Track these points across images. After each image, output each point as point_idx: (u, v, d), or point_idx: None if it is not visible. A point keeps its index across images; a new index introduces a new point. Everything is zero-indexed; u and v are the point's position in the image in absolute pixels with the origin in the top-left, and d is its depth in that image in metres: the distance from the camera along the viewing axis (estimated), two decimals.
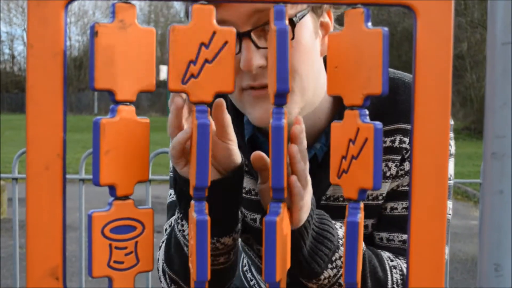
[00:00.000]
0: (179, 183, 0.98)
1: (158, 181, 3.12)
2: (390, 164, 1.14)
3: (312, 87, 1.05)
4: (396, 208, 1.19)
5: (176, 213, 1.07)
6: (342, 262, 1.04)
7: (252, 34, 0.99)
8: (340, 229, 1.07)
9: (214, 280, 1.07)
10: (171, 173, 1.33)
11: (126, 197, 0.52)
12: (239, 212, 1.05)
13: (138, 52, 0.50)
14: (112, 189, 0.51)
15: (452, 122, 1.17)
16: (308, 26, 1.03)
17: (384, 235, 1.20)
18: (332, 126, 0.53)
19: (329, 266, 1.03)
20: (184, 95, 0.89)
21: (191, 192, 0.50)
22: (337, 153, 0.52)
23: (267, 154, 1.17)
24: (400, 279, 1.15)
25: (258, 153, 0.94)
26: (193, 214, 0.50)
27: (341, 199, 1.17)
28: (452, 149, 1.20)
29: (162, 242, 1.24)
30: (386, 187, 1.16)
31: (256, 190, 1.22)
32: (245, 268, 1.53)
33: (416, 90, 0.49)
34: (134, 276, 0.53)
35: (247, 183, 1.23)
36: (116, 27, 0.49)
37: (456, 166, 9.58)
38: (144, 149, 0.52)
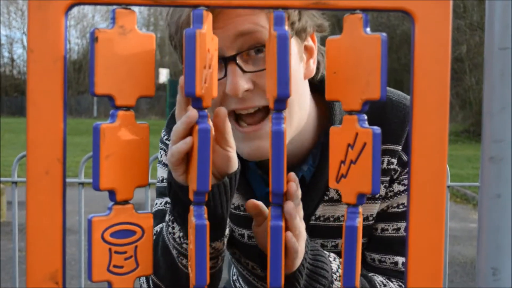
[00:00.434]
0: (174, 188, 0.98)
1: None
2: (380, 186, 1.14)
3: (298, 112, 1.05)
4: (387, 230, 1.19)
5: (168, 215, 1.07)
6: None
7: (237, 58, 0.99)
8: (334, 262, 1.08)
9: None
10: (159, 183, 1.33)
11: (125, 202, 0.52)
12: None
13: (138, 58, 0.51)
14: (112, 193, 0.51)
15: None
16: (293, 52, 1.02)
17: (376, 256, 1.21)
18: (330, 131, 0.53)
19: None
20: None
21: (191, 196, 0.51)
22: (336, 158, 0.52)
23: (252, 173, 1.17)
24: None
25: (252, 201, 0.96)
26: (192, 219, 0.50)
27: (331, 219, 1.17)
28: None
29: None
30: (375, 208, 1.16)
31: (244, 206, 1.22)
32: (234, 277, 1.53)
33: (415, 94, 0.50)
34: (133, 280, 0.53)
35: (236, 199, 1.22)
36: (116, 32, 0.50)
37: (455, 168, 9.57)
38: (144, 154, 0.52)
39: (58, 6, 0.49)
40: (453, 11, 0.51)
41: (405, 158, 1.13)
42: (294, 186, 0.85)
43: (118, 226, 0.51)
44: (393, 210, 1.17)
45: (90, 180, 2.89)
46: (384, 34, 0.49)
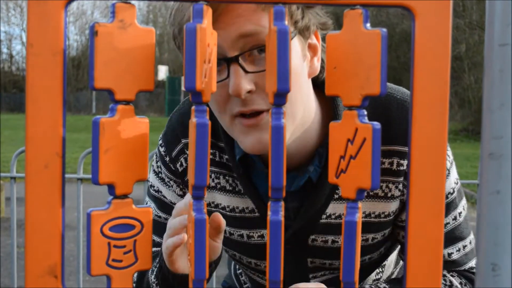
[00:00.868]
0: (165, 273, 1.06)
1: None
2: (390, 185, 1.15)
3: (301, 110, 1.05)
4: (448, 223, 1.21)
5: (152, 276, 1.15)
6: None
7: (240, 59, 0.99)
8: None
9: None
10: (151, 188, 1.36)
11: (125, 196, 0.52)
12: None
13: (138, 52, 0.51)
14: (111, 187, 0.51)
15: None
16: (296, 50, 1.02)
17: None
18: (330, 126, 0.53)
19: None
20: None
21: (190, 191, 0.51)
22: (336, 153, 0.52)
23: (259, 171, 1.18)
24: None
25: (217, 215, 1.03)
26: (191, 213, 0.50)
27: (343, 216, 1.18)
28: (450, 154, 1.21)
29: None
30: (391, 206, 1.17)
31: (240, 208, 1.23)
32: (238, 271, 1.54)
33: (415, 91, 0.50)
34: (132, 274, 0.53)
35: (231, 201, 1.23)
36: (116, 26, 0.50)
37: None
38: (143, 148, 0.52)
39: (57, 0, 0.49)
40: (452, 10, 0.51)
41: None
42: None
43: (117, 220, 0.51)
44: None
45: (89, 176, 2.91)
46: (384, 29, 0.49)
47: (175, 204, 1.31)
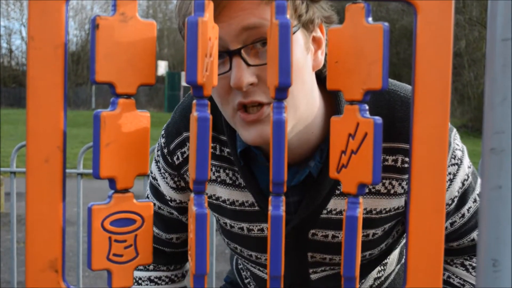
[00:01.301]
0: None
1: None
2: (394, 182, 1.15)
3: (304, 103, 1.05)
4: (455, 221, 1.23)
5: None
6: None
7: (242, 51, 0.99)
8: None
9: None
10: (152, 180, 1.37)
11: (126, 190, 0.52)
12: None
13: (139, 45, 0.50)
14: (112, 182, 0.51)
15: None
16: (299, 42, 1.02)
17: (454, 243, 1.26)
18: (331, 121, 0.53)
19: None
20: None
21: (191, 186, 0.51)
22: (337, 148, 0.52)
23: (260, 165, 1.18)
24: None
25: None
26: (192, 208, 0.50)
27: (344, 212, 1.18)
28: (459, 142, 1.20)
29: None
30: (393, 203, 1.17)
31: (240, 202, 1.23)
32: (240, 267, 1.54)
33: (416, 85, 0.50)
34: (133, 269, 0.53)
35: (231, 194, 1.23)
36: (117, 20, 0.50)
37: None
38: (144, 142, 0.52)
39: None
40: (454, 3, 0.51)
41: None
42: None
43: (118, 214, 0.51)
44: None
45: (89, 171, 2.90)
46: (386, 23, 0.49)
47: (166, 194, 1.35)
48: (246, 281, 1.51)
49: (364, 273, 1.35)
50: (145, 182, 2.75)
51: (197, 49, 0.47)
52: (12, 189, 2.98)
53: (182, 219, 1.37)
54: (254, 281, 1.46)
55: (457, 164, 1.16)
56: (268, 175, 1.20)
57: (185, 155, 1.27)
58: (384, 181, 1.14)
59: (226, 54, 1.00)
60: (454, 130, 1.20)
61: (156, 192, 1.38)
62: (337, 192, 1.17)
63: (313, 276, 1.29)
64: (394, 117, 1.12)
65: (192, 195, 0.51)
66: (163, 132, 1.32)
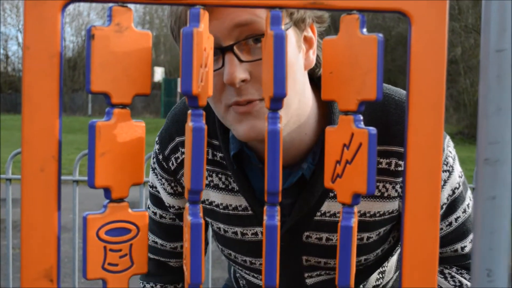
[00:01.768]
0: None
1: None
2: (387, 185, 1.15)
3: (296, 102, 1.05)
4: (441, 228, 1.22)
5: None
6: None
7: (234, 48, 0.99)
8: None
9: None
10: (151, 189, 1.38)
11: (121, 200, 0.52)
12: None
13: (134, 56, 0.51)
14: (107, 191, 0.51)
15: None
16: (291, 40, 1.03)
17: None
18: (326, 131, 0.53)
19: None
20: None
21: (186, 196, 0.51)
22: (331, 158, 0.52)
23: (254, 167, 1.18)
24: None
25: None
26: (187, 217, 0.50)
27: (337, 215, 1.18)
28: (452, 150, 1.21)
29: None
30: (386, 206, 1.17)
31: (233, 206, 1.23)
32: (237, 275, 1.54)
33: (411, 94, 0.50)
34: (128, 278, 0.53)
35: (224, 199, 1.24)
36: (113, 30, 0.50)
37: None
38: (139, 152, 0.52)
39: (54, 2, 0.49)
40: (448, 13, 0.51)
41: None
42: None
43: (113, 224, 0.51)
44: None
45: (85, 178, 2.90)
46: (381, 35, 0.49)
47: (165, 201, 1.35)
48: None
49: (361, 279, 1.35)
50: (141, 190, 2.74)
51: (192, 59, 0.47)
52: (7, 196, 2.98)
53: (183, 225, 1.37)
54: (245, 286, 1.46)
55: (448, 171, 1.17)
56: (262, 177, 1.20)
57: (179, 160, 1.27)
58: (378, 184, 1.14)
59: (219, 51, 1.00)
60: (448, 137, 1.20)
61: (156, 200, 1.39)
62: (331, 194, 1.17)
63: (309, 281, 1.29)
64: (388, 120, 1.12)
65: (187, 204, 0.51)
66: (157, 139, 1.32)
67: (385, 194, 1.15)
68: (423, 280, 0.51)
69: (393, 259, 1.41)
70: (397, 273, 1.46)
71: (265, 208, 0.51)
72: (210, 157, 1.24)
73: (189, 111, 0.50)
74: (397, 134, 1.12)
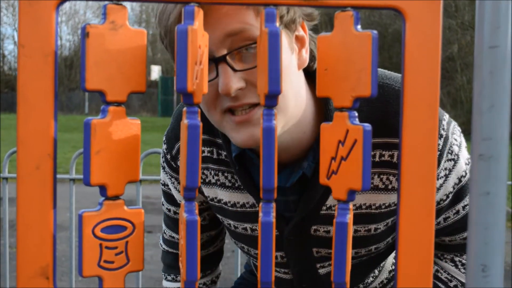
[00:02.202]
0: None
1: (148, 181, 3.12)
2: (391, 177, 1.15)
3: (292, 102, 1.05)
4: (449, 217, 1.22)
5: None
6: None
7: (227, 58, 0.99)
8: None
9: None
10: (163, 187, 1.41)
11: (116, 197, 0.52)
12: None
13: (129, 54, 0.51)
14: (102, 189, 0.51)
15: (446, 120, 1.17)
16: (283, 44, 1.03)
17: (446, 238, 1.26)
18: (321, 128, 0.53)
19: None
20: None
21: (182, 193, 0.51)
22: (327, 154, 0.52)
23: (257, 167, 1.19)
24: None
25: None
26: (183, 214, 0.50)
27: (353, 208, 1.18)
28: (458, 137, 1.19)
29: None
30: (392, 198, 1.17)
31: (241, 203, 1.25)
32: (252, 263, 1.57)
33: (405, 91, 0.50)
34: (124, 275, 0.53)
35: (232, 197, 1.25)
36: (107, 28, 0.50)
37: None
38: (135, 149, 0.52)
39: (49, 1, 0.49)
40: (444, 10, 0.51)
41: None
42: None
43: (109, 221, 0.52)
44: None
45: (81, 176, 2.90)
46: (375, 31, 0.49)
47: (177, 198, 1.40)
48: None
49: (374, 265, 1.36)
50: (137, 187, 2.74)
51: (187, 57, 0.48)
52: (4, 195, 2.97)
53: None
54: None
55: (453, 159, 1.16)
56: None
57: None
58: (381, 176, 1.15)
59: (212, 61, 1.00)
60: (453, 123, 1.18)
61: (168, 197, 1.44)
62: None
63: (321, 271, 1.30)
64: (389, 112, 1.12)
65: (182, 201, 0.52)
66: (164, 139, 1.34)
67: (389, 186, 1.16)
68: (418, 277, 0.51)
69: (391, 257, 1.42)
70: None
71: (260, 204, 0.51)
72: (215, 156, 1.25)
73: (184, 108, 0.50)
74: (398, 126, 1.13)
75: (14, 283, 3.53)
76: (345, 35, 0.50)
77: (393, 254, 1.38)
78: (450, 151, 1.15)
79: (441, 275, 1.27)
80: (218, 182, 1.26)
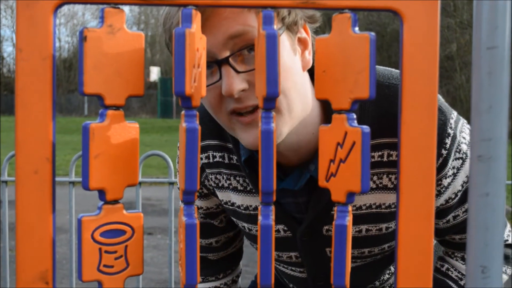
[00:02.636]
0: None
1: (148, 183, 3.12)
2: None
3: (299, 103, 1.06)
4: (458, 215, 1.22)
5: None
6: None
7: (230, 60, 1.00)
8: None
9: None
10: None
11: (115, 201, 0.52)
12: None
13: (127, 57, 0.51)
14: (101, 193, 0.51)
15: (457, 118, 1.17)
16: (285, 44, 1.04)
17: (456, 236, 1.26)
18: (320, 130, 0.53)
19: None
20: None
21: (181, 197, 0.51)
22: (326, 157, 0.52)
23: None
24: None
25: None
26: (182, 218, 0.50)
27: (353, 208, 1.18)
28: (466, 135, 1.18)
29: None
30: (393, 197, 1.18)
31: (253, 206, 1.27)
32: None
33: (403, 93, 0.50)
34: (124, 280, 0.53)
35: (244, 200, 1.26)
36: (105, 31, 0.50)
37: None
38: (134, 153, 0.52)
39: (46, 4, 0.49)
40: (443, 9, 0.51)
41: None
42: None
43: (108, 225, 0.51)
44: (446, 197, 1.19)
45: (81, 179, 2.89)
46: (373, 33, 0.49)
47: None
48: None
49: (389, 262, 1.37)
50: (137, 191, 2.74)
51: (184, 60, 0.47)
52: (4, 198, 2.97)
53: (214, 223, 1.41)
54: (278, 274, 1.51)
55: (461, 158, 1.15)
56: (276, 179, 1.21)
57: (200, 163, 1.28)
58: (390, 176, 1.15)
59: (215, 64, 1.01)
60: (462, 121, 1.18)
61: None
62: None
63: None
64: (396, 112, 1.12)
65: (181, 205, 0.51)
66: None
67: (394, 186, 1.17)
68: (418, 278, 0.51)
69: None
70: None
71: (259, 207, 0.51)
72: (227, 161, 1.26)
73: (183, 112, 0.50)
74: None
75: (14, 286, 3.53)
76: (343, 37, 0.50)
77: None
78: (458, 150, 1.14)
79: (452, 273, 1.27)
80: (231, 186, 1.28)
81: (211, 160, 1.28)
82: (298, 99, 1.06)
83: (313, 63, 1.13)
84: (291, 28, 1.05)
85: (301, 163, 1.17)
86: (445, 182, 1.15)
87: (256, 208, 1.26)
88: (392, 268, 1.42)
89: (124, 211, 0.52)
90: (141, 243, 0.53)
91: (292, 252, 1.30)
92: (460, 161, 1.15)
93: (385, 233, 1.23)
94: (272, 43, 0.48)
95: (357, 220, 1.20)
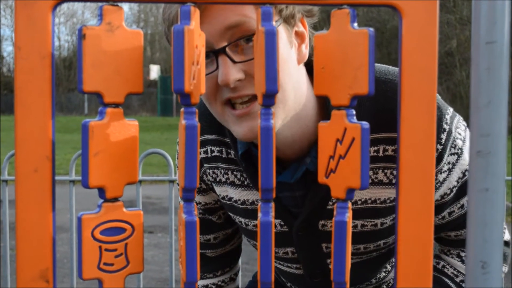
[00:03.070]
0: None
1: (149, 181, 3.12)
2: (395, 172, 1.15)
3: (292, 96, 1.06)
4: (453, 211, 1.22)
5: None
6: None
7: (227, 49, 1.01)
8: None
9: None
10: None
11: (115, 199, 0.52)
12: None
13: (126, 55, 0.51)
14: (101, 191, 0.51)
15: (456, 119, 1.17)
16: (281, 37, 1.04)
17: (452, 233, 1.27)
18: (319, 126, 0.53)
19: None
20: None
21: (181, 194, 0.51)
22: (325, 153, 0.52)
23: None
24: None
25: None
26: (182, 215, 0.50)
27: (358, 202, 1.18)
28: (462, 131, 1.19)
29: None
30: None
31: (250, 201, 1.26)
32: None
33: (402, 90, 0.50)
34: (124, 277, 0.53)
35: (241, 194, 1.26)
36: (104, 29, 0.50)
37: None
38: (133, 151, 0.52)
39: (45, 3, 0.49)
40: (443, 5, 0.51)
41: None
42: None
43: (108, 223, 0.51)
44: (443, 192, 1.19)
45: (81, 178, 2.88)
46: (372, 29, 0.49)
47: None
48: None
49: (386, 259, 1.37)
50: (137, 189, 2.74)
51: (183, 57, 0.47)
52: (4, 198, 2.97)
53: (212, 219, 1.41)
54: (275, 272, 1.49)
55: (456, 153, 1.16)
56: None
57: (200, 158, 1.29)
58: (385, 171, 1.15)
59: (212, 54, 1.02)
60: (457, 117, 1.18)
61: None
62: None
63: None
64: (391, 107, 1.12)
65: (181, 202, 0.51)
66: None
67: (393, 181, 1.17)
68: (418, 277, 0.51)
69: None
70: None
71: (259, 205, 0.51)
72: (224, 155, 1.26)
73: (182, 109, 0.50)
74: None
75: (15, 285, 3.53)
76: (342, 33, 0.50)
77: None
78: (453, 145, 1.14)
79: (448, 270, 1.27)
80: (228, 181, 1.28)
81: (209, 155, 1.28)
82: (292, 91, 1.06)
83: (311, 58, 1.13)
84: (288, 20, 1.06)
85: (297, 157, 1.18)
86: (440, 177, 1.15)
87: (253, 203, 1.26)
88: (388, 266, 1.41)
89: (124, 209, 0.52)
90: (141, 240, 0.53)
91: (288, 248, 1.30)
92: (456, 156, 1.16)
93: (380, 229, 1.23)
94: (271, 39, 0.48)
95: (352, 215, 1.20)
